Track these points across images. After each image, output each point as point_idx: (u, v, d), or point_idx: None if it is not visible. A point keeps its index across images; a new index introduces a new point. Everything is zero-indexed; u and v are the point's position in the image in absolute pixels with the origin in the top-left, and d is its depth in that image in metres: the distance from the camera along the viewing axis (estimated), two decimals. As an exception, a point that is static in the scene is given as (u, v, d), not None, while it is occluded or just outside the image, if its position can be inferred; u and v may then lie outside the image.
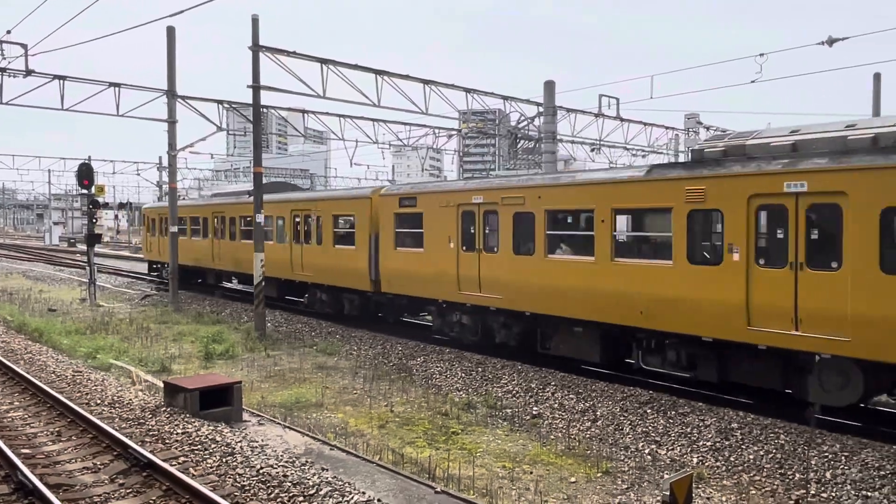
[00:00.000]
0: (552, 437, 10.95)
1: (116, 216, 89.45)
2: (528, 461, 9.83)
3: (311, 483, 7.88)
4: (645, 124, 35.17)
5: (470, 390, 13.56)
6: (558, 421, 11.63)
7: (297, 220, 22.40)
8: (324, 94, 22.00)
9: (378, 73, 23.39)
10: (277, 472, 8.23)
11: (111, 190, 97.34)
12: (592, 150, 34.89)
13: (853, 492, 8.35)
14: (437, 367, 15.18)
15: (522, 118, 31.60)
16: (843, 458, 8.98)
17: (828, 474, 8.75)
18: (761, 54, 18.17)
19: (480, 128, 38.17)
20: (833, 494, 8.39)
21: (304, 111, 31.11)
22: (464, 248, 15.83)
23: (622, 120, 32.89)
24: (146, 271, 36.08)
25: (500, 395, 13.10)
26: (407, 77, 24.06)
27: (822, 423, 10.12)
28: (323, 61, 21.82)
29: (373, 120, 33.55)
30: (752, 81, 18.74)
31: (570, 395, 12.45)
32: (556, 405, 12.24)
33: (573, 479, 9.12)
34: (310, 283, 21.99)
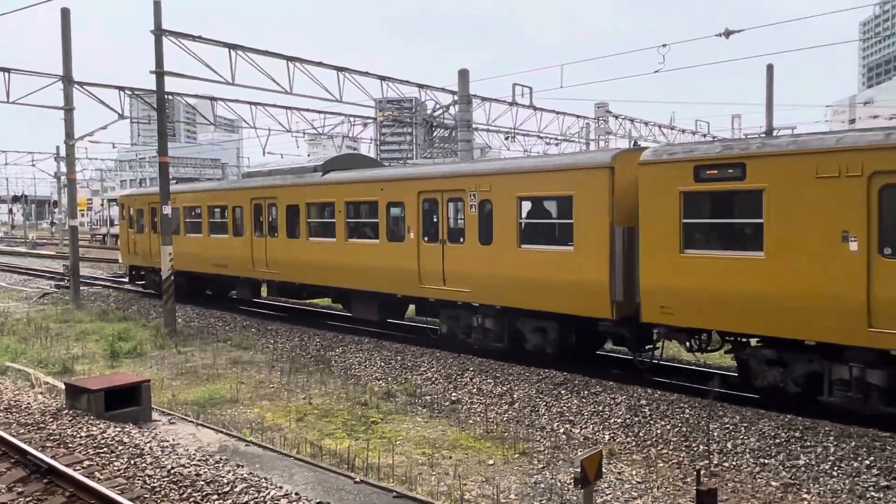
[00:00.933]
0: (471, 421, 11.10)
1: (10, 210, 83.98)
2: (447, 447, 9.92)
3: (225, 481, 7.68)
4: (557, 113, 35.93)
5: (389, 379, 13.55)
6: (477, 406, 11.79)
7: (431, 205, 14.78)
8: (233, 80, 21.34)
9: (289, 59, 22.86)
10: (190, 472, 7.98)
11: (3, 182, 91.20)
12: (507, 139, 35.36)
13: (752, 460, 8.86)
14: (356, 357, 15.08)
15: (438, 106, 31.66)
16: (742, 428, 9.52)
17: (729, 444, 9.26)
18: (664, 45, 18.93)
19: (396, 116, 37.98)
20: (734, 463, 8.89)
21: (212, 98, 30.08)
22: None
23: (535, 109, 33.46)
24: (126, 279, 28.37)
25: (419, 382, 13.16)
26: (320, 64, 23.63)
27: (723, 396, 10.68)
28: (231, 46, 21.14)
29: (286, 108, 32.83)
30: (656, 71, 19.50)
31: (488, 380, 12.64)
32: (474, 390, 12.40)
33: (491, 462, 9.28)
34: (460, 304, 14.38)
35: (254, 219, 19.70)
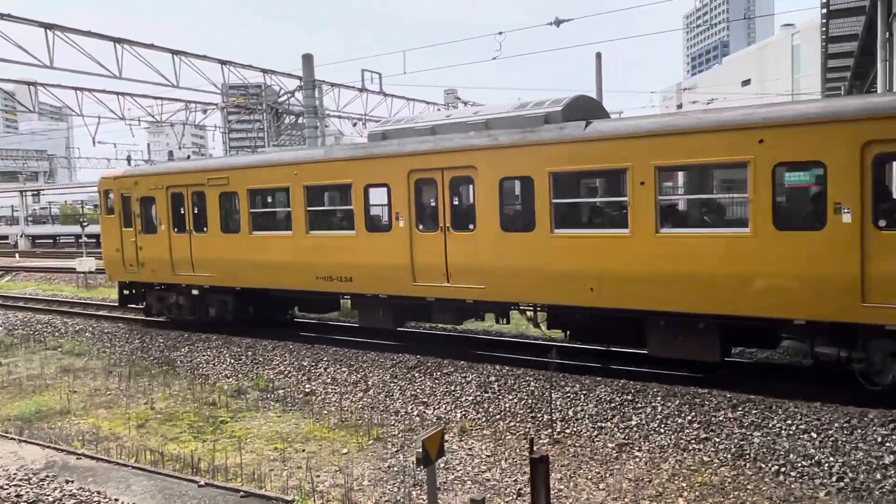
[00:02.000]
0: (325, 412, 10.96)
1: None
2: (300, 439, 9.74)
3: (51, 499, 7.07)
4: (408, 99, 36.13)
5: (240, 375, 13.08)
6: (331, 395, 11.67)
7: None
8: (51, 63, 19.50)
9: (117, 41, 21.24)
10: (10, 494, 7.26)
11: None
12: (355, 125, 35.09)
13: (591, 425, 9.44)
14: (203, 355, 14.40)
15: (283, 92, 30.76)
16: (581, 395, 10.11)
17: (570, 412, 9.80)
18: (500, 32, 19.52)
19: (241, 102, 36.51)
20: (575, 429, 9.42)
21: (32, 84, 27.35)
22: None
23: (385, 95, 33.43)
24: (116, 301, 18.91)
25: (272, 376, 12.80)
26: (152, 46, 22.17)
27: (564, 367, 11.28)
28: (48, 26, 19.29)
29: (117, 93, 30.51)
30: (494, 58, 20.11)
31: (343, 369, 12.53)
32: (328, 380, 12.25)
33: (345, 451, 9.23)
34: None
35: (414, 203, 12.26)
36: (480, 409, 10.38)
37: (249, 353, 14.11)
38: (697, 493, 7.58)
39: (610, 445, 8.91)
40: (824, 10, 20.28)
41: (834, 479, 7.50)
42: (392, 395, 11.29)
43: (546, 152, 10.65)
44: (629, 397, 9.79)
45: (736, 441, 8.41)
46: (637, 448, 8.76)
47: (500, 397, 10.55)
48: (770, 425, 8.49)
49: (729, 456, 8.24)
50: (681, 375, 10.59)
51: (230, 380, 12.90)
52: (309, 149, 17.06)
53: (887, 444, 7.74)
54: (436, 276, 12.00)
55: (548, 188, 10.62)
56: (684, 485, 7.80)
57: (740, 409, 8.91)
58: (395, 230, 12.36)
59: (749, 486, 7.62)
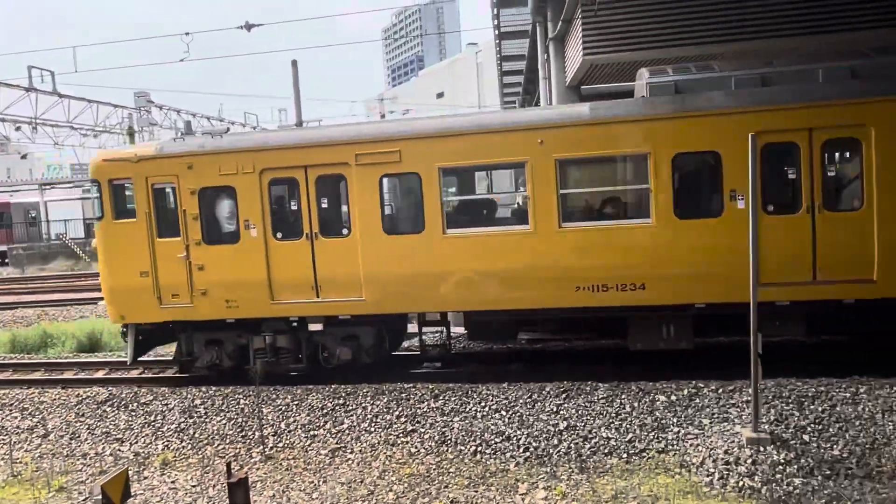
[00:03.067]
0: (-9, 468, 9.26)
1: None
2: (-45, 507, 8.09)
3: None
4: (89, 101, 32.42)
5: None
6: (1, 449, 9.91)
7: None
8: None
9: None
10: None
11: None
12: (17, 129, 30.51)
13: (304, 434, 9.31)
14: None
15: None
16: (293, 406, 9.93)
17: (282, 425, 9.56)
18: (187, 33, 18.50)
19: None
20: (288, 442, 9.21)
21: None
22: None
23: (61, 96, 29.58)
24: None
25: (-86, 436, 10.46)
26: None
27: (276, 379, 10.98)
28: None
29: None
30: (182, 60, 18.98)
31: (15, 414, 10.72)
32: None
33: (17, 511, 7.88)
34: None
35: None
36: (185, 437, 9.62)
37: None
38: (406, 485, 7.89)
39: (323, 452, 8.87)
40: (496, 32, 22.75)
41: (521, 450, 8.36)
42: (79, 437, 9.94)
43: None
44: (341, 401, 9.86)
45: (439, 429, 8.94)
46: (349, 450, 8.86)
47: (207, 420, 9.90)
48: (467, 409, 9.19)
49: (433, 444, 8.72)
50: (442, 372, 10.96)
51: None
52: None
53: (560, 412, 8.85)
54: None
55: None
56: (394, 479, 8.07)
57: (441, 398, 9.50)
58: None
59: (451, 470, 8.15)
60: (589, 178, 10.30)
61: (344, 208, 10.62)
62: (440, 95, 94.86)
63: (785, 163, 9.26)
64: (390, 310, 10.40)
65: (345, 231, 10.42)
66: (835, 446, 7.58)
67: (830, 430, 7.82)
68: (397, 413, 9.40)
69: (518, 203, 11.08)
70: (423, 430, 8.99)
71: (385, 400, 9.71)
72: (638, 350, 10.14)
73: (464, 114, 12.93)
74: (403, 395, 9.79)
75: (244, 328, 11.04)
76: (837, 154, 9.48)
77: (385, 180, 10.29)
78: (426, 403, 9.45)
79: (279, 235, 10.56)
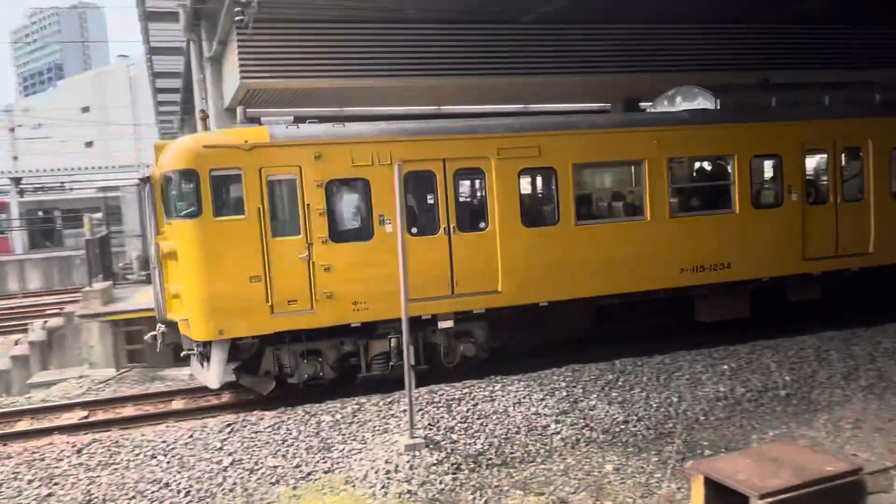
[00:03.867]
0: None
1: None
2: None
3: None
4: None
5: None
6: None
7: None
8: None
9: None
10: None
11: None
12: None
13: None
14: None
15: None
16: None
17: None
18: None
19: None
20: None
21: None
22: None
23: None
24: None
25: None
26: None
27: None
28: None
29: None
30: None
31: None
32: None
33: None
34: None
35: None
36: None
37: None
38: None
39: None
40: (147, 47, 21.18)
41: (182, 494, 7.75)
42: None
43: None
44: None
45: (83, 487, 7.86)
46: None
47: None
48: (117, 460, 8.25)
49: (75, 508, 7.63)
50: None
51: None
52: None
53: (225, 447, 8.45)
54: None
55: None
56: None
57: (84, 453, 8.39)
58: None
59: (98, 532, 7.21)
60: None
61: (477, 202, 10.77)
62: (86, 110, 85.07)
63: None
64: (524, 301, 10.55)
65: (482, 225, 10.38)
66: (477, 441, 8.51)
67: (474, 427, 8.77)
68: (28, 478, 8.04)
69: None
70: (61, 492, 7.81)
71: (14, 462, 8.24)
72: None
73: (597, 112, 14.96)
74: (37, 454, 8.41)
75: (349, 333, 10.05)
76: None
77: (523, 174, 10.68)
78: (66, 461, 8.25)
79: (414, 231, 9.98)
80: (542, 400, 9.36)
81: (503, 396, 9.45)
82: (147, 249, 14.51)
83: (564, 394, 9.55)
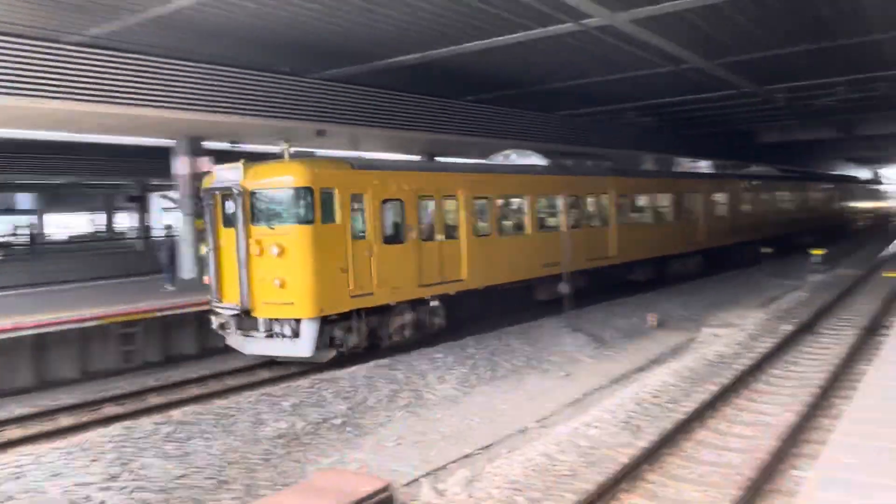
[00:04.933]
0: None
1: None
2: None
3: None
4: None
5: None
6: None
7: None
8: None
9: None
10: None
11: None
12: None
13: None
14: None
15: None
16: None
17: None
18: None
19: None
20: None
21: None
22: None
23: None
24: None
25: None
26: None
27: None
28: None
29: None
30: None
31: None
32: None
33: None
34: None
35: None
36: None
37: None
38: None
39: None
40: None
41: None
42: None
43: None
44: None
45: None
46: None
47: None
48: None
49: None
50: None
51: None
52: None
53: None
54: None
55: None
56: None
57: None
58: None
59: None
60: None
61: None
62: None
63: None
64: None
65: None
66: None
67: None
68: None
69: None
70: None
71: None
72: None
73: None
74: None
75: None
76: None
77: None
78: None
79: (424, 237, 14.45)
80: (86, 467, 8.27)
81: (36, 470, 8.07)
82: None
83: (113, 456, 8.61)
